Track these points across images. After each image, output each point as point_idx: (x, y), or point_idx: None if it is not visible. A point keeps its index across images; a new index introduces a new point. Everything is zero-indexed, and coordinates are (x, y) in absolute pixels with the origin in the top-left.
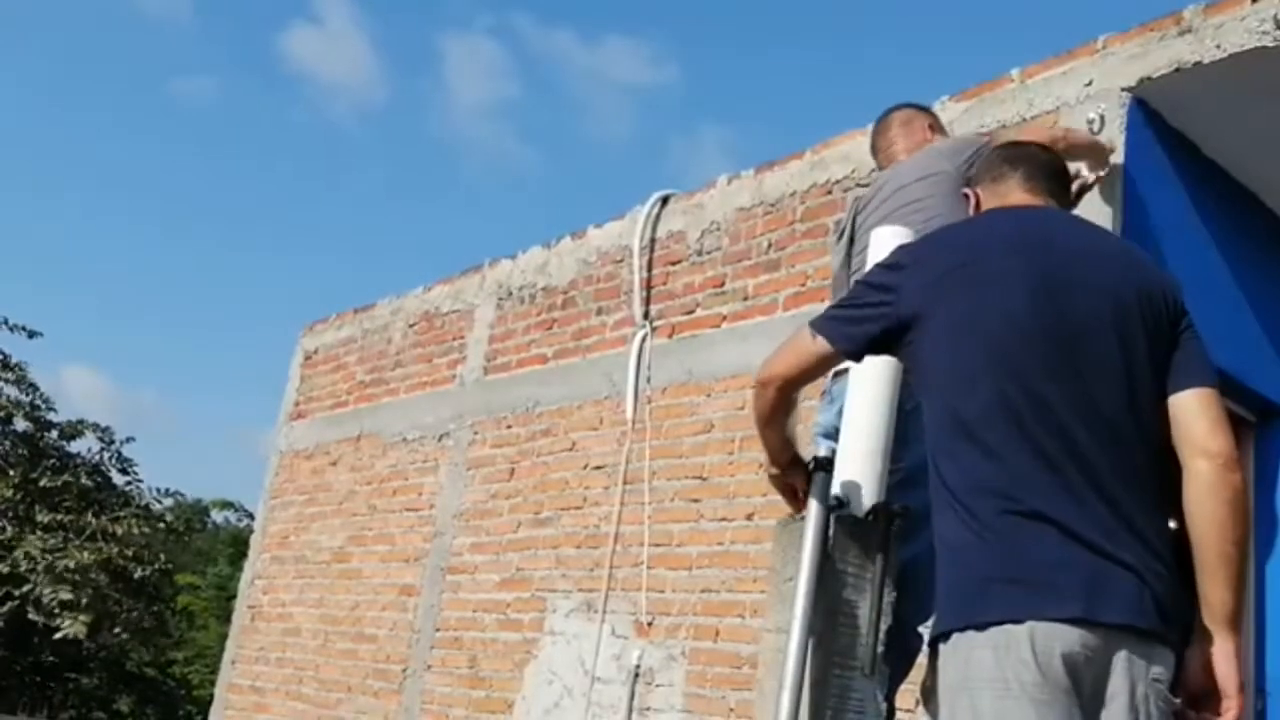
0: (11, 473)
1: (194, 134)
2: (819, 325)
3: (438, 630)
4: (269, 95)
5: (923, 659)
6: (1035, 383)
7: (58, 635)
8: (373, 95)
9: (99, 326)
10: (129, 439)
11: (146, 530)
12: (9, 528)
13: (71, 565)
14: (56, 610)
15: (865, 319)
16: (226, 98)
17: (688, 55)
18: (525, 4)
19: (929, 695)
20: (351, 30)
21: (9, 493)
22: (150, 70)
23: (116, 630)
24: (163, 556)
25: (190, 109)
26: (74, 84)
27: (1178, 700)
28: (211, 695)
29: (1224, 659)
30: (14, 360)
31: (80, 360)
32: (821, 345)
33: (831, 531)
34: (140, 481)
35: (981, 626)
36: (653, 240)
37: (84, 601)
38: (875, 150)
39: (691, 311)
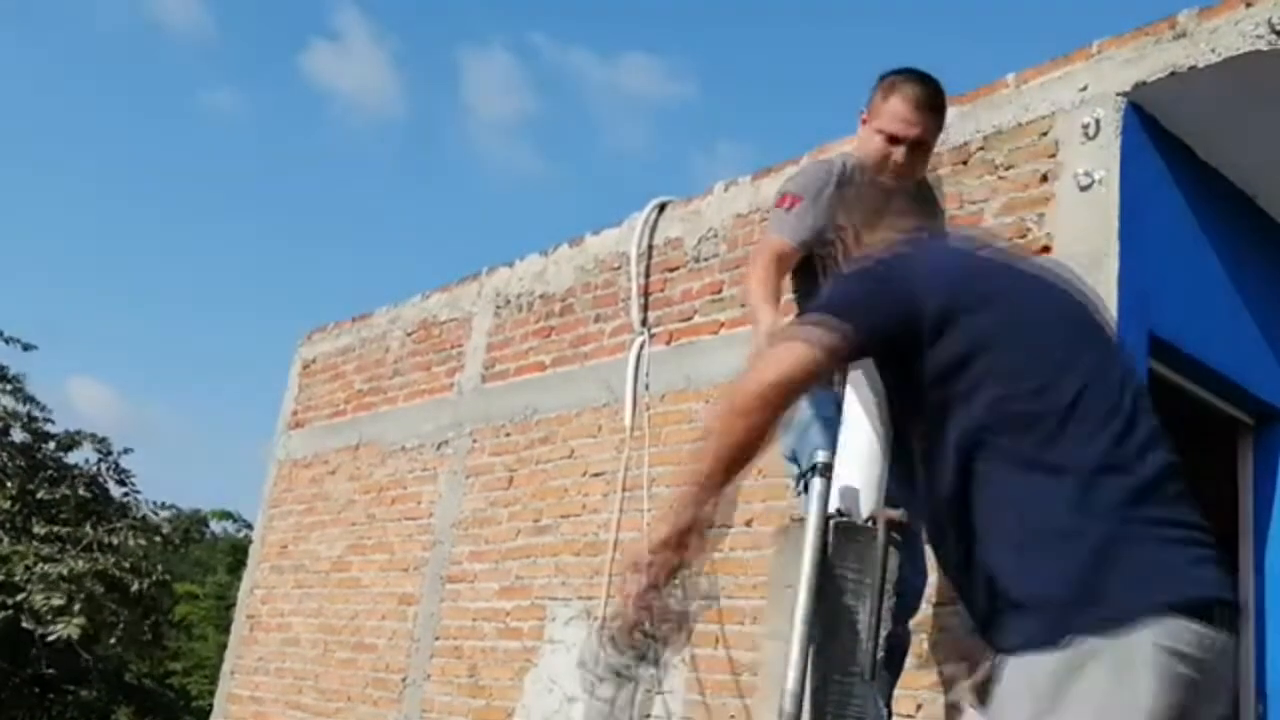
0: (9, 484)
1: (215, 148)
2: (814, 321)
3: (437, 639)
4: (290, 110)
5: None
6: (1085, 386)
7: (50, 638)
8: (391, 110)
9: (106, 338)
10: (126, 450)
11: (144, 542)
12: (5, 539)
13: (65, 573)
14: (49, 616)
15: (876, 300)
16: (248, 113)
17: (706, 71)
18: (544, 21)
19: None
20: (371, 47)
21: (6, 504)
22: (175, 85)
23: (113, 642)
24: (160, 568)
25: (213, 124)
26: (95, 94)
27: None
28: (210, 706)
29: None
30: (11, 372)
31: (86, 372)
32: (823, 335)
33: (831, 538)
34: (138, 493)
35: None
36: (650, 247)
37: (77, 607)
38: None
39: (689, 318)
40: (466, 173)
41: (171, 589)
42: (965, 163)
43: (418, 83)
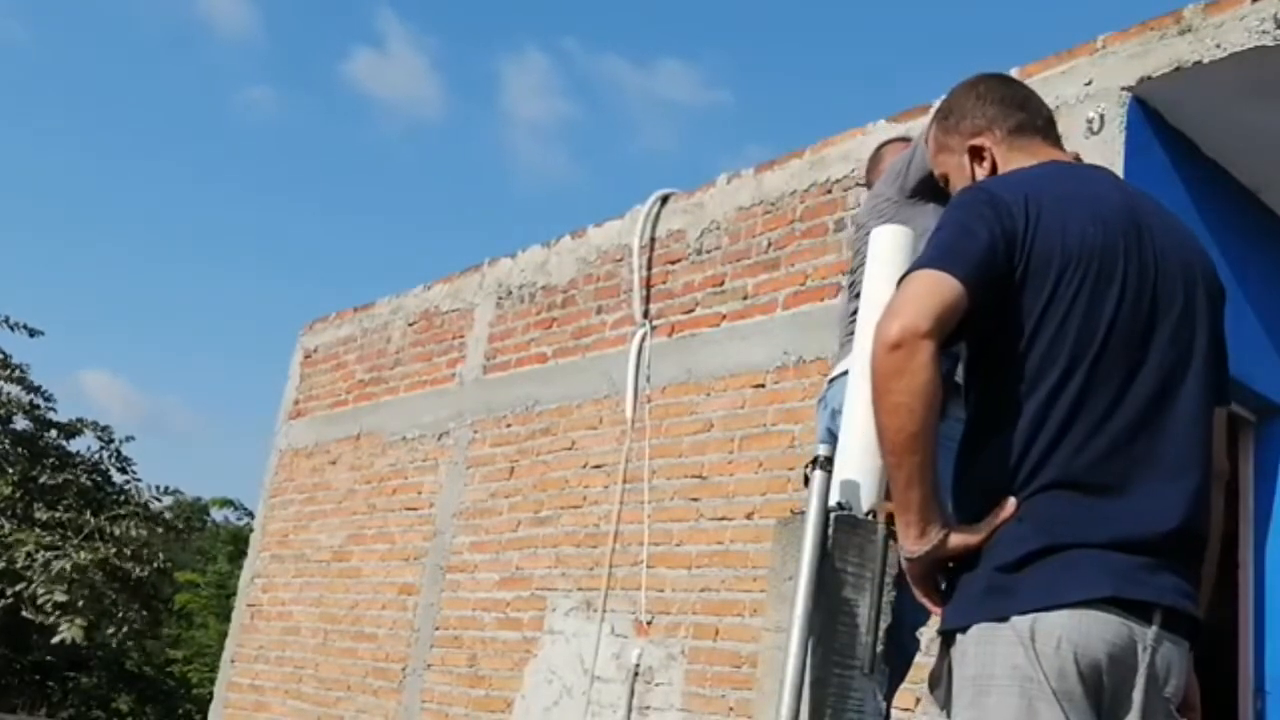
0: (10, 471)
1: (253, 148)
2: (926, 262)
3: (437, 629)
4: (329, 111)
5: (923, 657)
6: (1109, 382)
7: (54, 640)
8: (428, 113)
9: (121, 331)
10: (128, 438)
11: (144, 530)
12: (7, 525)
13: (68, 567)
14: (50, 611)
15: (976, 234)
16: (286, 114)
17: (741, 79)
18: (585, 29)
19: (935, 682)
20: (411, 51)
21: (8, 490)
22: (215, 87)
23: (112, 631)
24: (161, 556)
25: (250, 125)
26: (135, 100)
27: None
28: (211, 694)
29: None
30: (14, 360)
31: (100, 365)
32: (948, 279)
33: (831, 531)
34: (139, 480)
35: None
36: (652, 239)
37: (79, 604)
38: (869, 185)
39: (691, 310)
40: (500, 176)
41: (172, 576)
42: None
43: (455, 87)
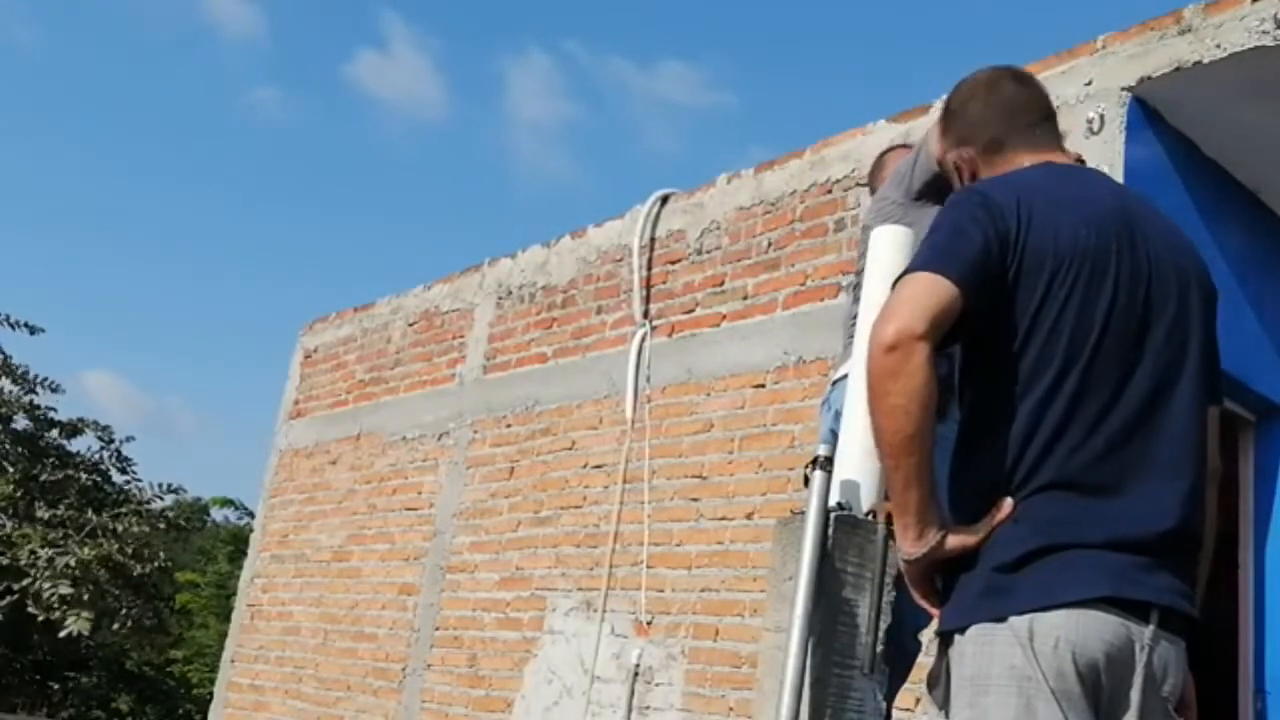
0: (11, 470)
1: (257, 149)
2: (921, 264)
3: (437, 629)
4: (333, 112)
5: (924, 658)
6: (1104, 383)
7: (61, 633)
8: (432, 114)
9: (122, 331)
10: (129, 438)
11: (146, 529)
12: (9, 523)
13: (72, 562)
14: (56, 605)
15: (970, 235)
16: (290, 115)
17: (745, 80)
18: (587, 30)
19: (934, 683)
20: (415, 53)
21: (9, 489)
22: (220, 88)
23: (116, 627)
24: (162, 554)
25: (255, 126)
26: (140, 102)
27: None
28: (211, 694)
29: None
30: (15, 360)
31: (101, 365)
32: (943, 281)
33: (831, 531)
34: (139, 480)
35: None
36: (652, 239)
37: (85, 597)
38: (872, 190)
39: (691, 310)
40: (502, 176)
41: (173, 575)
42: None
43: (458, 89)
